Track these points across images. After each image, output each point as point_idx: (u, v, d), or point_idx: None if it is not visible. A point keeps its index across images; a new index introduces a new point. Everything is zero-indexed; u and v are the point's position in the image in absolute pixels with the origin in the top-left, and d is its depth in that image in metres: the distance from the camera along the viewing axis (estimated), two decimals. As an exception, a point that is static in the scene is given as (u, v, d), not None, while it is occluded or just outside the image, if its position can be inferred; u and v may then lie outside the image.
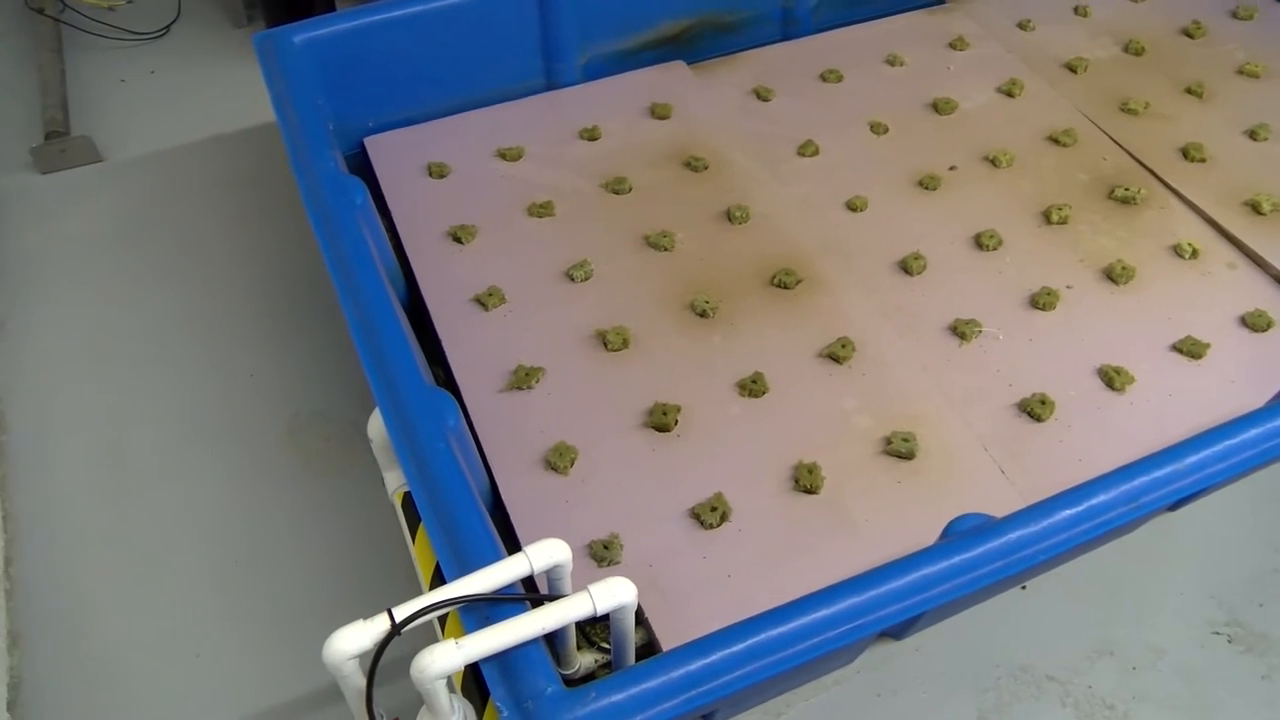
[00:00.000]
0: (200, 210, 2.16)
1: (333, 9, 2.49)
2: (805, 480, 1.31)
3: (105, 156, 2.30)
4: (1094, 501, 1.11)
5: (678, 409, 1.39)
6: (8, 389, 1.84)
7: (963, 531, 1.10)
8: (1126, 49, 2.07)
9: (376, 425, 1.44)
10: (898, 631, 1.46)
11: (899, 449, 1.35)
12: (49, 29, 2.53)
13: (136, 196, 2.20)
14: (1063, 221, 1.69)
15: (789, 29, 2.11)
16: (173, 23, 2.67)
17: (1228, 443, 1.20)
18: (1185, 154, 1.81)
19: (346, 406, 1.78)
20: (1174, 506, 1.37)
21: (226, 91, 2.45)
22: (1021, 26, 2.13)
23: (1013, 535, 1.08)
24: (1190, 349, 1.49)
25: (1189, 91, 1.95)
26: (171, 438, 1.76)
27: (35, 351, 1.90)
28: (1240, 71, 2.00)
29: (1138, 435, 1.39)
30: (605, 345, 1.48)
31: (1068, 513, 1.10)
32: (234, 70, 2.52)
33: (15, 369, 1.87)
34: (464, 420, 1.27)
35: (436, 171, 1.76)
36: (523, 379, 1.42)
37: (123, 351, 1.90)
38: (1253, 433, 1.21)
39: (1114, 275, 1.60)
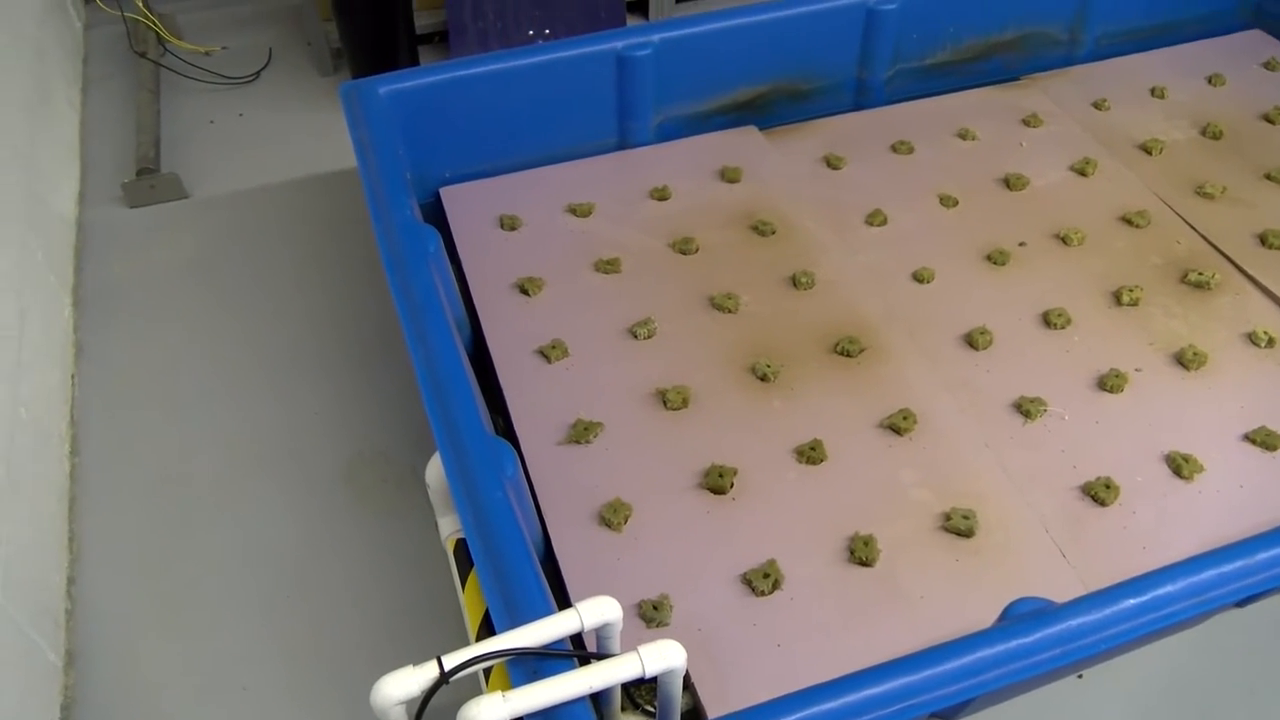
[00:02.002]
0: (277, 249, 2.23)
1: (417, 62, 2.58)
2: (861, 552, 1.29)
3: (191, 193, 2.38)
4: (1159, 593, 1.08)
5: (734, 471, 1.39)
6: (83, 413, 1.90)
7: (1022, 615, 1.08)
8: (1204, 132, 2.05)
9: (435, 470, 1.46)
10: (949, 714, 1.42)
11: (958, 526, 1.33)
12: (149, 71, 2.65)
13: (217, 233, 2.28)
14: (1133, 303, 1.67)
15: (862, 99, 2.13)
16: (263, 69, 2.77)
17: (1302, 540, 1.16)
18: (1263, 240, 1.78)
19: (406, 449, 1.81)
20: (1242, 603, 1.33)
21: (310, 136, 2.54)
22: (1096, 106, 2.12)
23: (1073, 622, 1.05)
24: (1264, 440, 1.45)
25: (1268, 178, 1.93)
26: (234, 469, 1.80)
27: (112, 378, 1.96)
28: (1322, 159, 1.97)
29: (1205, 526, 1.35)
30: (665, 404, 1.48)
31: (1131, 602, 1.07)
32: (318, 116, 2.60)
33: (92, 394, 1.93)
34: (521, 470, 1.28)
35: (508, 224, 1.79)
36: (581, 433, 1.43)
37: (194, 382, 1.95)
38: (1329, 531, 1.18)
39: (1185, 360, 1.57)
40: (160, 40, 2.75)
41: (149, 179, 2.33)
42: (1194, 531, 1.34)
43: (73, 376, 1.96)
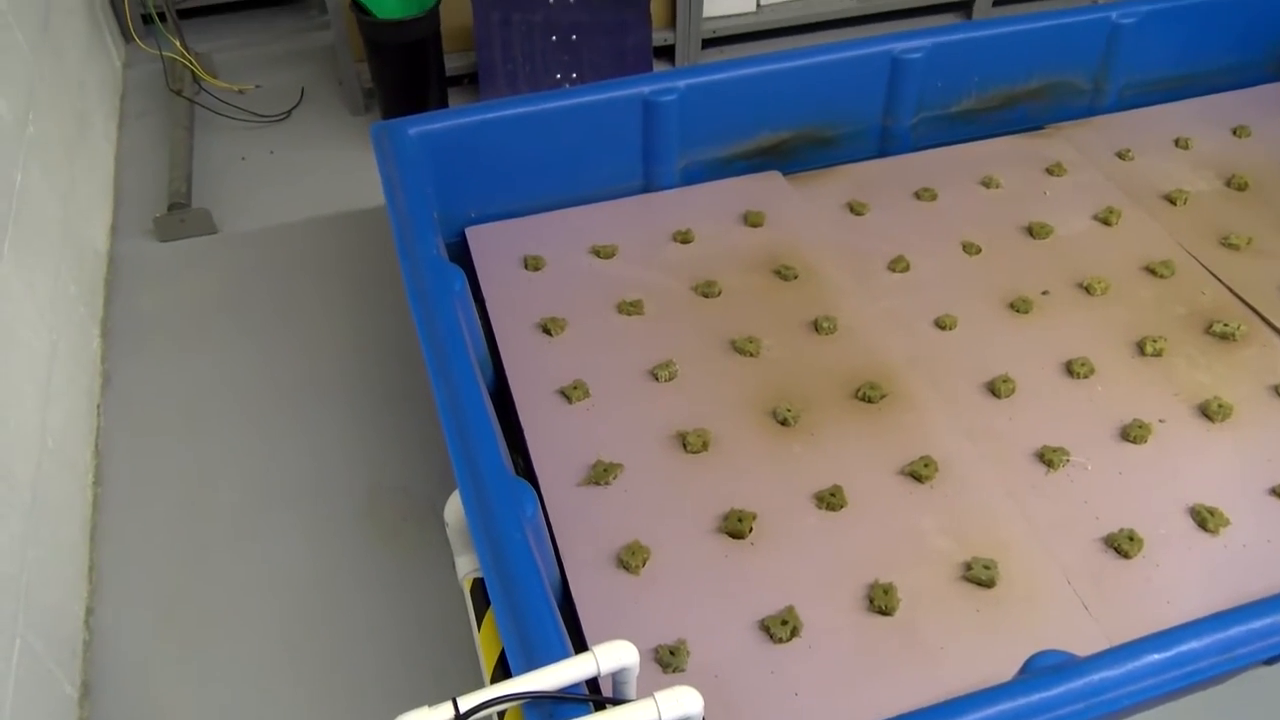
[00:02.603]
0: (304, 284, 2.25)
1: (446, 104, 2.62)
2: (880, 600, 1.28)
3: (220, 228, 2.42)
4: (1184, 648, 1.07)
5: (753, 516, 1.38)
6: (108, 443, 1.91)
7: (1043, 668, 1.06)
8: (1229, 183, 2.05)
9: (454, 508, 1.46)
10: (968, 767, 1.40)
11: (979, 576, 1.31)
12: (184, 108, 2.70)
13: (245, 267, 2.31)
14: (1157, 354, 1.66)
15: (886, 145, 2.15)
16: (294, 107, 2.82)
17: (1333, 598, 1.14)
18: (1289, 292, 1.77)
19: (426, 485, 1.81)
20: (1270, 661, 1.30)
21: (339, 174, 2.58)
22: (1121, 156, 2.13)
23: (1095, 677, 1.04)
24: (1291, 494, 1.44)
25: (1294, 230, 1.92)
26: (255, 501, 1.81)
27: (136, 408, 1.98)
28: (1349, 213, 1.96)
29: (1232, 581, 1.33)
30: (685, 446, 1.48)
31: (1155, 658, 1.06)
32: (348, 154, 2.64)
33: (117, 424, 1.95)
34: (541, 511, 1.28)
35: (532, 264, 1.81)
36: (601, 474, 1.43)
37: (217, 413, 1.96)
38: (1359, 589, 1.16)
39: (1210, 412, 1.55)
40: (196, 78, 2.81)
41: (180, 213, 2.37)
42: (1220, 586, 1.33)
43: (98, 406, 1.98)
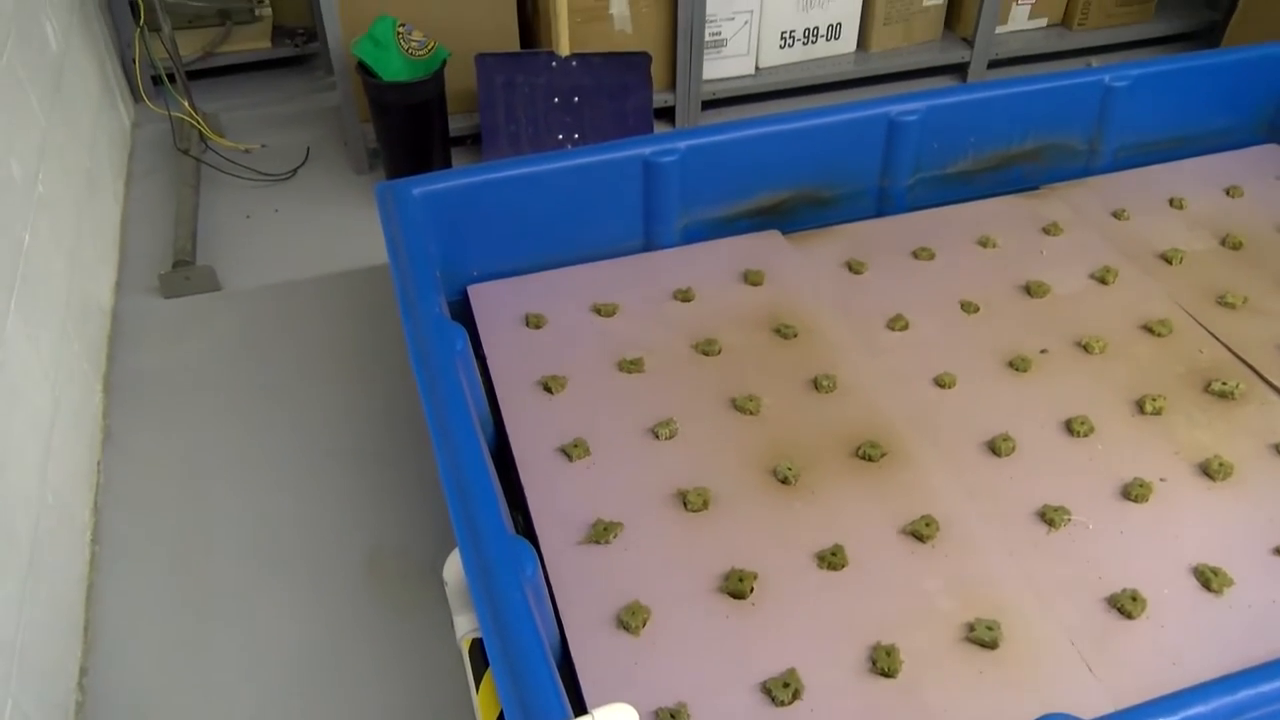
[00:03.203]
0: (305, 342, 2.26)
1: (450, 164, 2.66)
2: (883, 662, 1.27)
3: (224, 285, 2.44)
4: (1191, 712, 1.06)
5: (754, 576, 1.38)
6: (107, 500, 1.91)
7: (1048, 733, 1.05)
8: (1224, 243, 2.07)
9: (453, 567, 1.45)
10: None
11: (982, 637, 1.30)
12: (191, 167, 2.74)
13: (247, 324, 2.32)
14: (1157, 412, 1.66)
15: (884, 206, 2.17)
16: (300, 166, 2.86)
17: (1339, 661, 1.14)
18: (1286, 351, 1.78)
19: (426, 544, 1.81)
20: (1278, 725, 1.29)
21: (342, 232, 2.60)
22: (1116, 215, 2.15)
23: (1101, 742, 1.02)
24: (1295, 555, 1.43)
25: (1289, 288, 1.94)
26: (253, 559, 1.80)
27: (137, 465, 1.98)
28: (1343, 272, 1.98)
29: (1238, 643, 1.32)
30: (685, 505, 1.48)
31: (1162, 722, 1.05)
32: (352, 213, 2.68)
33: (117, 481, 1.95)
34: (541, 570, 1.27)
35: (533, 322, 1.82)
36: (601, 533, 1.43)
37: (218, 471, 1.96)
38: (1366, 652, 1.15)
39: (1211, 471, 1.55)
40: (203, 138, 2.86)
41: (184, 270, 2.39)
42: (1226, 648, 1.31)
43: (99, 463, 1.98)
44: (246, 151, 2.90)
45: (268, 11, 3.33)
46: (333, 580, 1.77)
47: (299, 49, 3.26)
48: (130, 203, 2.73)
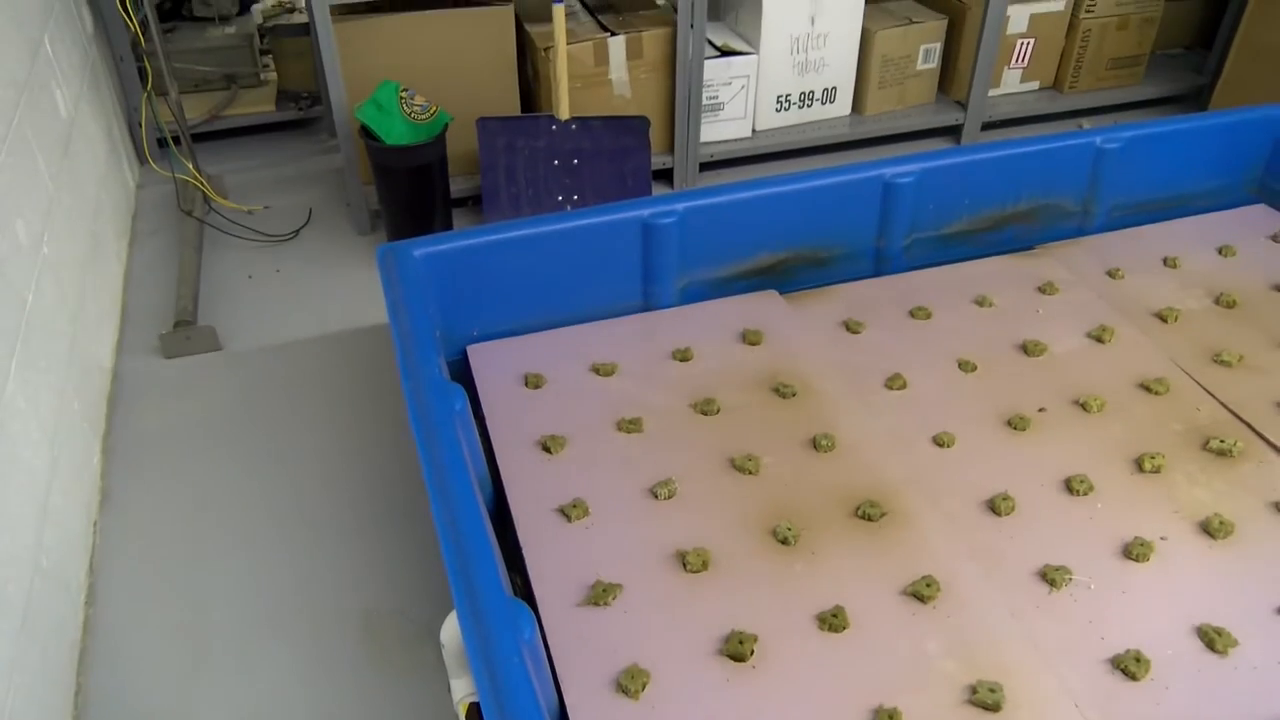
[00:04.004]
0: (305, 402, 2.27)
1: (451, 225, 2.69)
2: (885, 726, 1.25)
3: (225, 346, 2.45)
4: (1197, 779, 1.04)
5: (754, 638, 1.36)
6: (103, 562, 1.90)
7: (1053, 800, 1.04)
8: (1218, 301, 2.09)
9: (450, 630, 1.44)
10: None
11: (985, 699, 1.29)
12: (194, 228, 2.77)
13: (247, 385, 2.33)
14: (1156, 470, 1.66)
15: (880, 266, 2.19)
16: (302, 227, 2.89)
17: (1345, 724, 1.13)
18: (1283, 409, 1.79)
19: (423, 606, 1.79)
20: (1287, 790, 1.27)
21: (343, 293, 2.62)
22: (1111, 274, 2.17)
23: (1108, 809, 1.01)
24: (1298, 615, 1.42)
25: (1284, 347, 1.95)
26: (249, 622, 1.79)
27: (134, 527, 1.97)
28: (1337, 330, 1.99)
29: (1244, 704, 1.31)
30: (685, 566, 1.47)
31: (1169, 789, 1.03)
32: (352, 273, 2.70)
33: (113, 543, 1.94)
34: (539, 633, 1.26)
35: (533, 382, 1.83)
36: (600, 595, 1.42)
37: (215, 533, 1.95)
38: (1372, 715, 1.14)
39: (1211, 529, 1.55)
40: (206, 199, 2.89)
41: (185, 331, 2.40)
42: (1233, 710, 1.30)
43: (95, 524, 1.97)
44: (249, 213, 2.94)
45: (273, 76, 3.40)
46: (330, 642, 1.75)
47: (303, 112, 3.32)
48: (133, 263, 2.75)
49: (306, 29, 3.13)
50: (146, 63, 2.70)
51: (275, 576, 1.87)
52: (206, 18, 3.41)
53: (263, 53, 3.43)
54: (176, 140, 2.84)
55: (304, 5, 3.29)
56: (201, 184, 2.85)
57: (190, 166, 2.83)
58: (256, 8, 3.62)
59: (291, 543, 1.93)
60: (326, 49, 2.58)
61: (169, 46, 2.88)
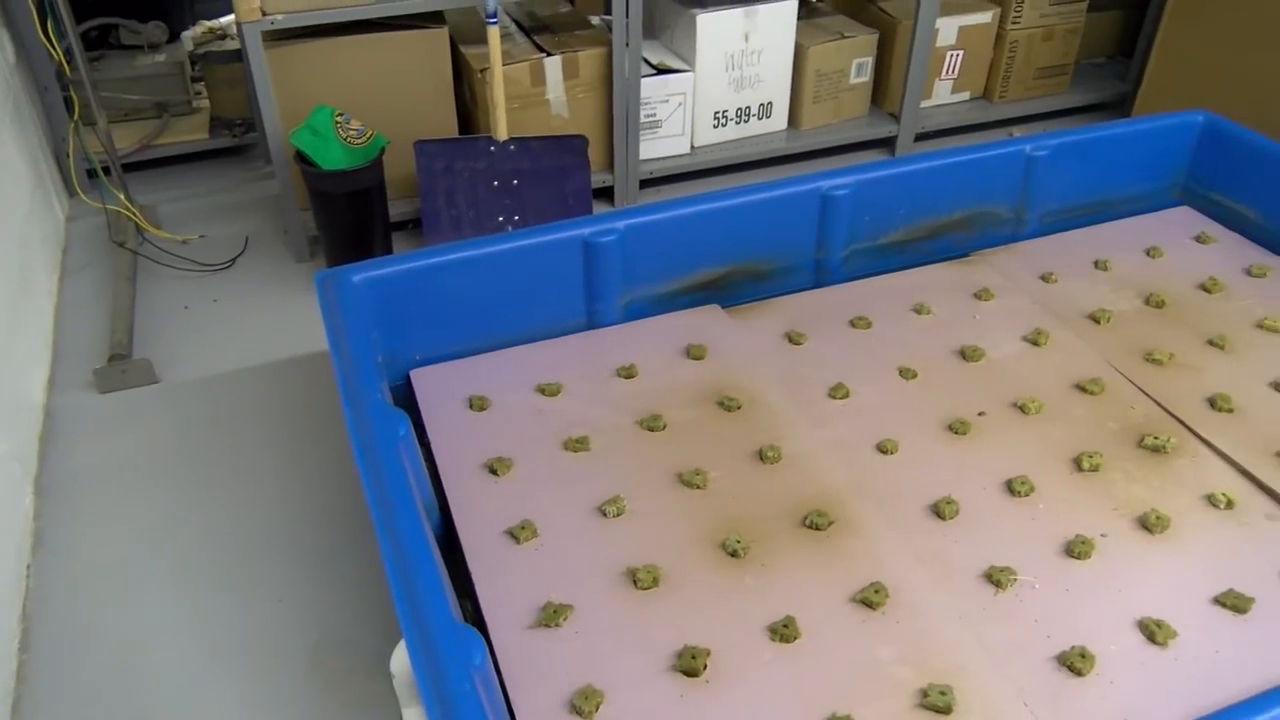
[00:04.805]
0: (245, 433, 2.23)
1: (391, 249, 2.66)
2: (839, 735, 1.26)
3: (162, 378, 2.40)
4: (1143, 771, 1.06)
5: (706, 653, 1.36)
6: (37, 606, 1.84)
7: (1005, 799, 1.05)
8: (1148, 302, 2.14)
9: (400, 659, 1.42)
10: None
11: (936, 703, 1.30)
12: (127, 260, 2.72)
13: (185, 418, 2.28)
14: (1094, 469, 1.70)
15: (821, 277, 2.22)
16: (239, 256, 2.85)
17: (1282, 709, 1.16)
18: (1213, 404, 1.84)
19: (372, 637, 1.76)
20: (1231, 777, 1.30)
21: (283, 321, 2.59)
22: (1045, 279, 2.22)
23: (1058, 806, 1.02)
24: (1234, 603, 1.46)
25: (1211, 344, 2.00)
26: (193, 663, 1.74)
27: (70, 568, 1.91)
28: (1260, 326, 2.05)
29: (1185, 694, 1.33)
30: (635, 583, 1.47)
31: (1116, 782, 1.05)
32: (292, 301, 2.66)
33: (47, 586, 1.88)
34: (490, 658, 1.25)
35: (477, 405, 1.82)
36: (551, 616, 1.41)
37: (156, 571, 1.91)
38: (1308, 699, 1.17)
39: (1149, 525, 1.58)
40: (140, 230, 2.84)
41: (120, 365, 2.35)
42: (1174, 700, 1.33)
43: (28, 567, 1.91)
44: (184, 243, 2.88)
45: (205, 103, 3.34)
46: (278, 677, 1.71)
47: (237, 139, 3.27)
48: (64, 297, 2.69)
49: (239, 55, 3.09)
50: (73, 92, 2.65)
51: (219, 613, 1.83)
52: (135, 45, 3.35)
53: (195, 80, 3.37)
54: (106, 171, 2.78)
55: (236, 32, 3.25)
56: (134, 214, 2.80)
57: (122, 197, 2.78)
58: (187, 35, 3.56)
59: (235, 578, 1.89)
60: (259, 75, 2.55)
61: (96, 75, 2.82)
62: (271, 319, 2.60)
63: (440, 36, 2.75)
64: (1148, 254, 2.31)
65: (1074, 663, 1.37)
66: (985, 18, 3.38)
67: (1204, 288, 2.18)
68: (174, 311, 2.64)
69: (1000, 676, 1.36)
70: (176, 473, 2.13)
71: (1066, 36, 3.51)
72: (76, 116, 2.69)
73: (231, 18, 3.54)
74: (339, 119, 2.53)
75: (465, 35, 2.94)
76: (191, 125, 3.27)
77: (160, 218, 3.00)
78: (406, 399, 1.86)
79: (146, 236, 2.84)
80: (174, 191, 3.15)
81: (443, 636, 1.17)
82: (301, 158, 2.52)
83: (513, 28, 3.03)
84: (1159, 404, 1.85)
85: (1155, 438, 1.75)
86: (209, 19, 3.71)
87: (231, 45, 3.48)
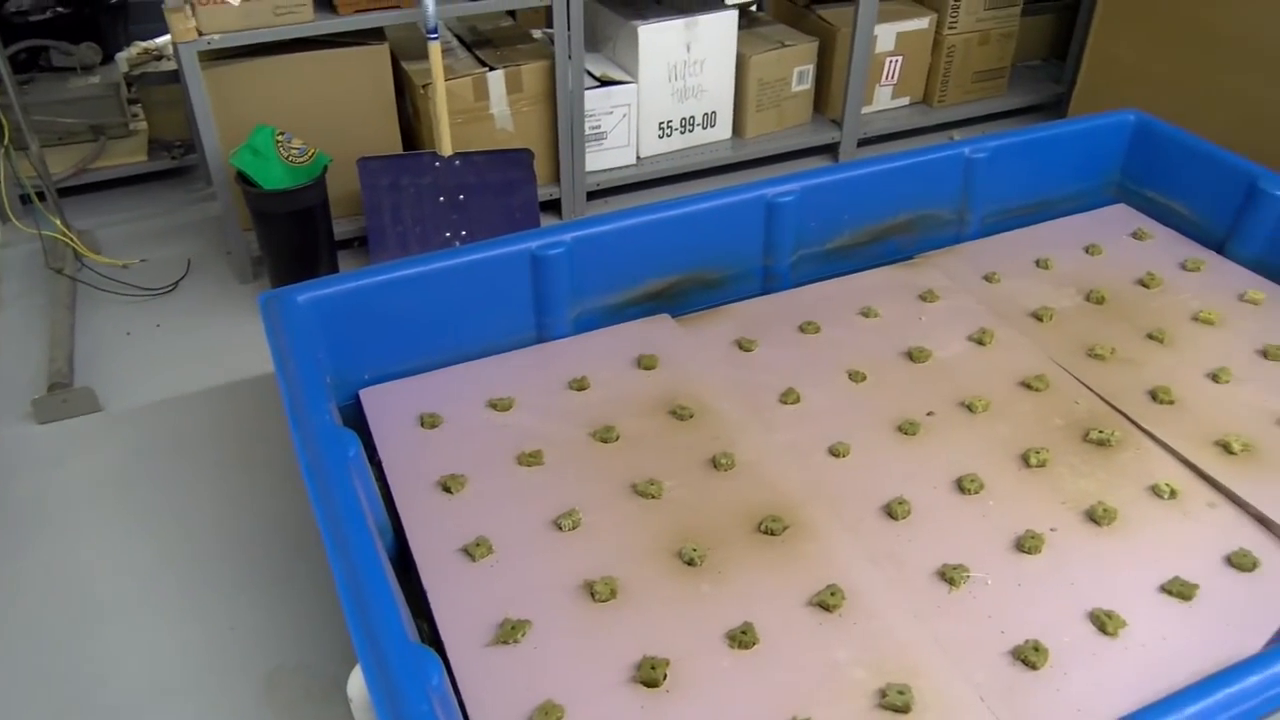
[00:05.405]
0: (192, 459, 2.19)
1: (336, 268, 2.64)
2: (799, 738, 1.27)
3: (104, 407, 2.35)
4: (1096, 760, 1.08)
5: (666, 663, 1.36)
6: (-19, 645, 1.79)
7: (963, 795, 1.06)
8: (1088, 298, 2.18)
9: (356, 683, 1.40)
10: None
11: (894, 702, 1.31)
12: (65, 287, 2.66)
13: (131, 446, 2.24)
14: (1041, 464, 1.73)
15: (769, 284, 2.24)
16: (182, 279, 2.80)
17: (1228, 691, 1.18)
18: (1154, 396, 1.88)
19: (328, 661, 1.74)
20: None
21: (228, 344, 2.55)
22: (988, 279, 2.25)
23: (1015, 799, 1.03)
24: (1180, 591, 1.49)
25: (1150, 337, 2.05)
26: (145, 694, 1.71)
27: (14, 604, 1.87)
28: (1196, 319, 2.10)
29: (1135, 682, 1.36)
30: (593, 596, 1.46)
31: (1070, 773, 1.06)
32: (237, 323, 2.62)
33: (-8, 624, 1.83)
34: (448, 678, 1.24)
35: (429, 422, 1.80)
36: (509, 633, 1.40)
37: (105, 603, 1.87)
38: (1253, 680, 1.20)
39: (1096, 517, 1.61)
40: (78, 256, 2.78)
41: (61, 394, 2.30)
42: (1126, 689, 1.35)
43: (-28, 606, 1.86)
44: (125, 267, 2.83)
45: (143, 125, 3.29)
46: (232, 705, 1.68)
47: (177, 161, 3.22)
48: (0, 329, 2.62)
49: (176, 76, 3.04)
50: (3, 117, 2.59)
51: (171, 643, 1.79)
52: (67, 68, 3.29)
53: (131, 102, 3.32)
54: (41, 196, 2.72)
55: (172, 53, 3.20)
56: (71, 240, 2.74)
57: (58, 223, 2.72)
58: (121, 56, 3.51)
59: (187, 606, 1.86)
60: (197, 96, 2.52)
61: (26, 99, 2.76)
62: (216, 342, 2.56)
63: (381, 53, 2.73)
64: (1087, 251, 2.36)
65: (1028, 656, 1.39)
66: (922, 23, 3.44)
67: (1142, 283, 2.23)
68: (116, 338, 2.59)
69: (956, 673, 1.37)
70: (122, 502, 2.08)
71: (1002, 41, 3.58)
72: (7, 141, 2.63)
73: (167, 38, 3.49)
74: (280, 138, 2.50)
75: (406, 51, 2.93)
76: (129, 148, 3.22)
77: (99, 243, 2.94)
78: (356, 419, 1.84)
79: (85, 262, 2.78)
80: (113, 215, 3.10)
81: (398, 658, 1.15)
82: (243, 178, 2.49)
83: (454, 43, 3.03)
84: (1102, 398, 1.89)
85: (1100, 431, 1.78)
86: (144, 40, 3.67)
87: (168, 66, 3.44)
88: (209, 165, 2.62)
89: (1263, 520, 1.62)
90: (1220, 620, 1.46)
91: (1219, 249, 2.33)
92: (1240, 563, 1.54)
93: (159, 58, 3.59)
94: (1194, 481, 1.70)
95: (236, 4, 2.44)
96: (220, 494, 2.10)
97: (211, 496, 2.09)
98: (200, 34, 2.45)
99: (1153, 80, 3.17)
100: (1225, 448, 1.75)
